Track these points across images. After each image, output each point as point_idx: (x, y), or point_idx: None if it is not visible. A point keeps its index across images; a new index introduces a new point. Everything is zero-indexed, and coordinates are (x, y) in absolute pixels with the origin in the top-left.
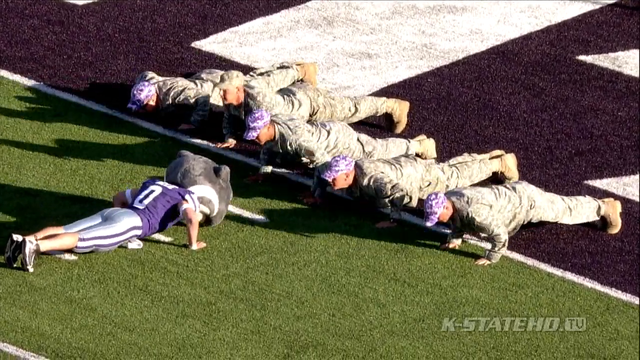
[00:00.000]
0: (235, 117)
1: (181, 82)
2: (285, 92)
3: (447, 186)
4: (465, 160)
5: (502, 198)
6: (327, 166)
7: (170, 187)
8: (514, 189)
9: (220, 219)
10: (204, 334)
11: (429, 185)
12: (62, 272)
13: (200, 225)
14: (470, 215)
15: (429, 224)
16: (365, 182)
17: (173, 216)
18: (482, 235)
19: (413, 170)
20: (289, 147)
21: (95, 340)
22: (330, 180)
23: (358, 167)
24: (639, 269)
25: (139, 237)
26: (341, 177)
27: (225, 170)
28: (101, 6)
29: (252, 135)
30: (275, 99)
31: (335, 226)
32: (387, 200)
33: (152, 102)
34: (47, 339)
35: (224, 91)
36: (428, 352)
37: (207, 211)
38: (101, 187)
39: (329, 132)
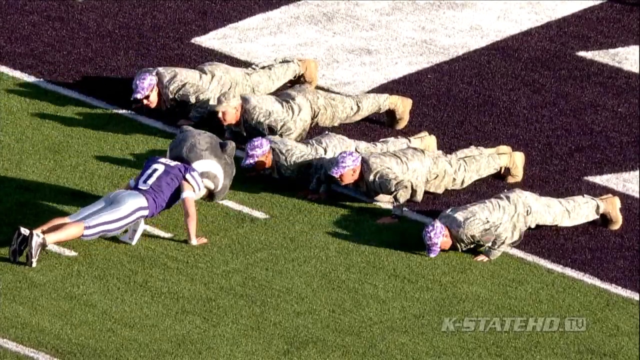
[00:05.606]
0: (237, 133)
1: (179, 76)
2: (284, 97)
3: (454, 179)
4: (473, 154)
5: (496, 211)
6: (334, 162)
7: (173, 163)
8: (507, 198)
9: (223, 195)
10: (204, 330)
11: (436, 177)
12: (62, 268)
13: (203, 199)
14: (468, 234)
15: (432, 255)
16: (371, 178)
17: (179, 193)
18: (488, 245)
19: (419, 165)
20: (287, 173)
21: (95, 336)
22: (337, 176)
23: (364, 162)
24: (639, 265)
25: (148, 217)
26: (348, 172)
27: (232, 145)
28: (101, 2)
29: (250, 162)
30: (273, 107)
31: (335, 222)
32: (391, 196)
33: (155, 94)
34: (47, 335)
35: (223, 113)
36: (428, 348)
37: (212, 186)
38: (101, 183)
39: (325, 150)
